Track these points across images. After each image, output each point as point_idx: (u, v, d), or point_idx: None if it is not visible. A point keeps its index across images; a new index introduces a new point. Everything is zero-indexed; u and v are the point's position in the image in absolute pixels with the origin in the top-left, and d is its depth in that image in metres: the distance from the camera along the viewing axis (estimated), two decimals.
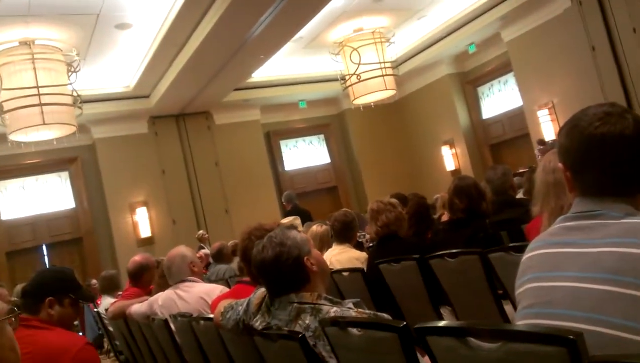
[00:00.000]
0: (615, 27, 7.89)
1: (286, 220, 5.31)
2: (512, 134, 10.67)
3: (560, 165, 1.30)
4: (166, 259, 3.29)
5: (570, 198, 1.30)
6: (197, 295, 3.04)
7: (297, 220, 5.26)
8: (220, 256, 6.07)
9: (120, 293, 4.72)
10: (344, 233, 3.73)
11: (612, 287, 1.09)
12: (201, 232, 8.89)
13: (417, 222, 3.94)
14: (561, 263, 1.20)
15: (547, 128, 9.14)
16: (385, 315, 1.66)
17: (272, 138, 11.61)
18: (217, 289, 3.10)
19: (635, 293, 1.06)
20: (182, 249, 3.31)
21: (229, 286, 4.14)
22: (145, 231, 9.68)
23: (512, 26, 9.44)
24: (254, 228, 2.40)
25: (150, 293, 3.70)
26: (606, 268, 1.11)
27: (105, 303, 4.94)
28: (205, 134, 10.53)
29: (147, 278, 3.98)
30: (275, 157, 11.57)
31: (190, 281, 3.15)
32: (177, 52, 7.91)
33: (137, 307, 3.35)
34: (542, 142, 8.69)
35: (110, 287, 5.35)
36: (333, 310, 1.74)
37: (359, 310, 1.73)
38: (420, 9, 8.96)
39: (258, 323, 1.90)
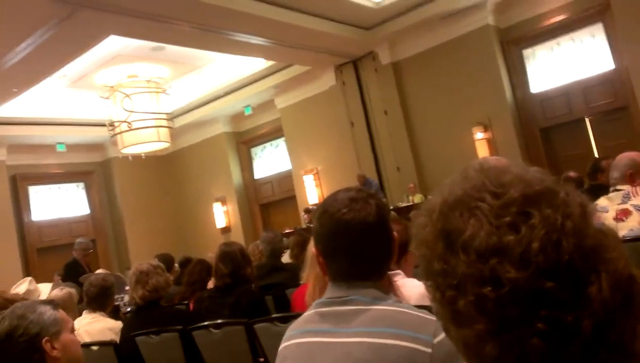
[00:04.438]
0: (370, 108, 8.98)
1: (18, 287, 4.40)
2: (281, 195, 11.14)
3: (313, 249, 1.29)
4: None
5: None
6: None
7: (31, 285, 4.41)
8: None
9: None
10: (100, 300, 3.26)
11: None
12: None
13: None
14: (314, 355, 1.15)
15: (312, 193, 9.77)
16: None
17: (19, 182, 10.11)
18: None
19: None
20: None
21: None
22: None
23: (284, 95, 10.07)
24: None
25: None
26: (355, 360, 1.08)
27: None
28: None
29: None
30: (21, 205, 10.05)
31: None
32: None
33: None
34: (307, 210, 9.26)
35: None
36: None
37: None
38: (200, 65, 8.96)
39: None
